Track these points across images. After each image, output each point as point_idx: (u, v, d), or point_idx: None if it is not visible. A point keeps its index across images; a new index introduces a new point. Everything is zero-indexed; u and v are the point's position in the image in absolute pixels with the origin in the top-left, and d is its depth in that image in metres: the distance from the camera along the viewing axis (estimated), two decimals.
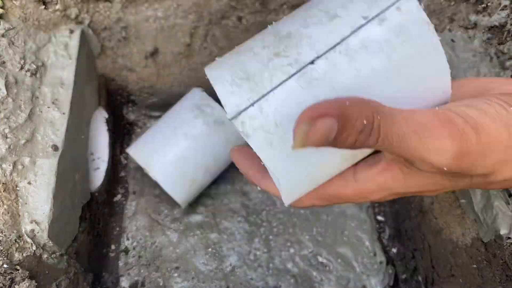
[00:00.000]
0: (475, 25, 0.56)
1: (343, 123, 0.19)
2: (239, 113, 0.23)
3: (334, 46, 0.22)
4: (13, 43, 0.48)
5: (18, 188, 0.43)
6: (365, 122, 0.20)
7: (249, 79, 0.22)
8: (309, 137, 0.19)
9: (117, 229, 0.64)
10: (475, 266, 0.46)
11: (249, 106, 0.22)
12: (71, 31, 0.53)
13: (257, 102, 0.22)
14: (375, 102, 0.21)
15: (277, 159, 0.23)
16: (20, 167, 0.44)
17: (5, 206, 0.41)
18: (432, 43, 0.22)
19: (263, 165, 0.27)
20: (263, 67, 0.22)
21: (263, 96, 0.22)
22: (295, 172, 0.24)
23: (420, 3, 0.21)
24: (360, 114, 0.20)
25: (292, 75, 0.22)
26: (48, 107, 0.48)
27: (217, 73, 0.24)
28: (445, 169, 0.22)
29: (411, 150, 0.21)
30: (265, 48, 0.23)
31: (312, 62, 0.22)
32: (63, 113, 0.49)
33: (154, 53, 0.61)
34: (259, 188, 0.28)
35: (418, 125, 0.21)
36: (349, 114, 0.19)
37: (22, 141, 0.45)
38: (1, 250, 0.40)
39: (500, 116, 0.22)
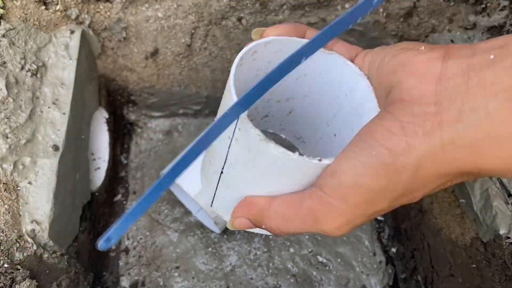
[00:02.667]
0: (474, 26, 0.56)
1: (253, 222, 0.29)
2: (211, 205, 0.34)
3: (225, 162, 0.28)
4: (13, 44, 0.48)
5: (18, 188, 0.43)
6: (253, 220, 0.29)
7: (207, 183, 0.32)
8: (233, 226, 0.30)
9: None
10: (474, 265, 0.47)
11: (212, 202, 0.33)
12: (72, 32, 0.53)
13: (214, 199, 0.32)
14: (260, 206, 0.28)
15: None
16: (20, 167, 0.44)
17: (5, 206, 0.42)
18: (271, 154, 0.24)
19: None
20: (209, 174, 0.31)
21: (214, 195, 0.32)
22: None
23: (243, 115, 0.24)
24: (253, 213, 0.29)
25: (218, 181, 0.30)
26: (49, 107, 0.48)
27: (200, 177, 0.35)
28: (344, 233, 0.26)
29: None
30: (206, 157, 0.32)
31: (222, 172, 0.29)
32: (64, 113, 0.49)
33: (154, 53, 0.62)
34: None
35: (282, 218, 0.27)
36: (251, 217, 0.29)
37: (23, 141, 0.45)
38: (2, 249, 0.40)
39: (370, 168, 0.22)
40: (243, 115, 0.24)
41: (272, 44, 0.29)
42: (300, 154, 0.24)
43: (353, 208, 0.23)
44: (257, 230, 0.32)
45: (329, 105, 0.33)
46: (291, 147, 0.29)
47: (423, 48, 0.22)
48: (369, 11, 0.25)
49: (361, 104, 0.28)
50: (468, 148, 0.19)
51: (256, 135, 0.24)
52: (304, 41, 0.29)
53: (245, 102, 0.24)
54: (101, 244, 0.24)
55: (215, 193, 0.32)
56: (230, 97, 0.26)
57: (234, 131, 0.25)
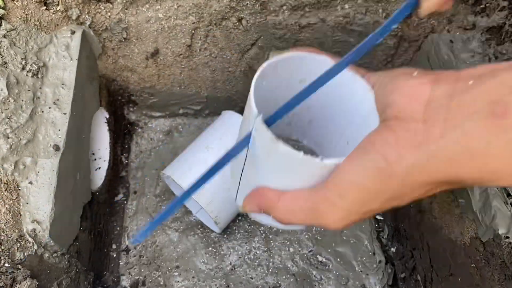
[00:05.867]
0: (473, 26, 0.56)
1: (262, 210, 0.31)
2: (235, 200, 0.36)
3: (245, 160, 0.31)
4: (14, 44, 0.48)
5: (19, 188, 0.43)
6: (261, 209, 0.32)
7: (234, 182, 0.35)
8: (244, 209, 0.33)
9: (118, 228, 0.64)
10: (473, 265, 0.47)
11: (236, 197, 0.36)
12: (73, 32, 0.53)
13: (237, 194, 0.36)
14: (270, 198, 0.30)
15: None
16: (21, 167, 0.44)
17: (6, 206, 0.42)
18: (280, 152, 0.27)
19: None
20: (235, 173, 0.34)
21: (237, 190, 0.35)
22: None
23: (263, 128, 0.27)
24: (262, 203, 0.32)
25: (240, 177, 0.33)
26: (50, 107, 0.49)
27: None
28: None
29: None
30: (233, 160, 0.34)
31: (243, 169, 0.32)
32: (64, 113, 0.49)
33: (155, 53, 0.62)
34: None
35: (289, 211, 0.29)
36: (258, 204, 0.32)
37: (24, 141, 0.45)
38: (3, 249, 0.40)
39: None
40: (259, 119, 0.28)
41: (293, 60, 0.32)
42: (305, 153, 0.27)
43: (350, 204, 0.26)
44: (262, 218, 0.35)
45: (342, 117, 0.36)
46: (312, 153, 0.32)
47: (416, 73, 0.26)
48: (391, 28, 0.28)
49: (367, 117, 0.32)
50: (448, 161, 0.23)
51: (269, 135, 0.27)
52: (323, 58, 0.32)
53: (270, 121, 0.30)
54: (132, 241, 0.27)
55: (238, 188, 0.35)
56: (250, 113, 0.29)
57: (252, 132, 0.29)
